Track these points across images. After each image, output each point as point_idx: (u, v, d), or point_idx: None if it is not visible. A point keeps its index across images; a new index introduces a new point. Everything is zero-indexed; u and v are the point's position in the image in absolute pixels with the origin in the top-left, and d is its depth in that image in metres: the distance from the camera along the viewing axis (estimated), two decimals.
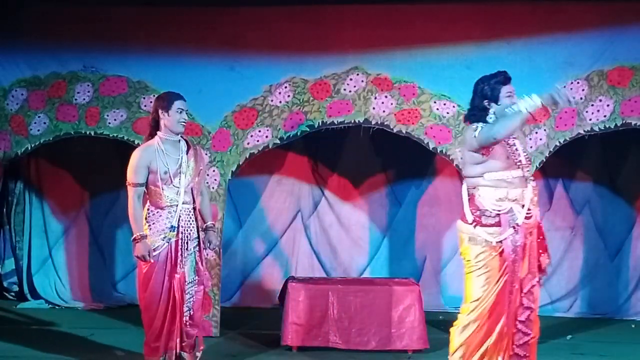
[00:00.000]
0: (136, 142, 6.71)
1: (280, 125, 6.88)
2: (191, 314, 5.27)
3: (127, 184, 5.18)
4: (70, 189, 8.39)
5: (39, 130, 7.08)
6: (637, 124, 6.58)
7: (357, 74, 6.86)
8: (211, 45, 6.98)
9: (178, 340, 5.19)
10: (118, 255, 8.36)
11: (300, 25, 6.93)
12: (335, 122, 6.87)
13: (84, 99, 7.03)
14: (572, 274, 7.95)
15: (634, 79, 6.56)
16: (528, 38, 6.73)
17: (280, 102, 6.89)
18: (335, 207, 8.38)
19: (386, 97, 6.81)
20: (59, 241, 8.37)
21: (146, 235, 5.10)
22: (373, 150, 8.17)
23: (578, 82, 6.61)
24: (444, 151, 6.74)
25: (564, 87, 6.56)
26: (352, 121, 6.85)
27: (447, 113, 6.73)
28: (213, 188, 6.81)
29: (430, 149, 6.79)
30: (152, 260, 5.09)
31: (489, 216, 4.58)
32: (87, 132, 7.05)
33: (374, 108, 6.81)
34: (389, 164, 8.32)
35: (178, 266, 5.15)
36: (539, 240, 4.69)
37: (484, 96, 4.66)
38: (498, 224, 4.56)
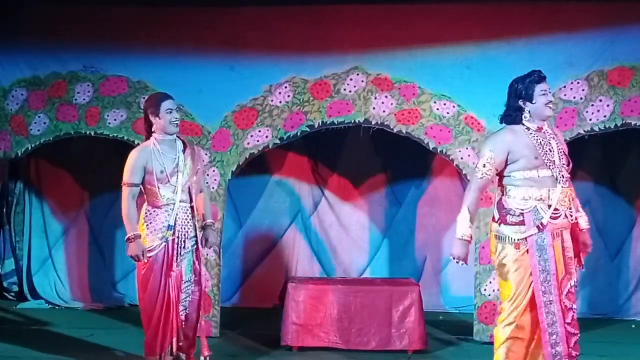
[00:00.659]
0: (136, 142, 6.70)
1: (280, 125, 6.88)
2: (187, 313, 5.25)
3: (122, 183, 5.18)
4: (70, 189, 8.39)
5: (39, 130, 7.09)
6: (637, 124, 6.57)
7: (357, 74, 6.86)
8: (211, 45, 6.98)
9: (174, 340, 5.18)
10: (118, 255, 8.36)
11: (300, 25, 6.93)
12: (335, 122, 6.87)
13: (84, 99, 7.03)
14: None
15: (634, 79, 6.55)
16: (528, 38, 6.72)
17: (280, 102, 6.89)
18: (335, 207, 8.38)
19: (386, 97, 6.81)
20: (59, 241, 8.37)
21: (140, 235, 5.10)
22: (373, 150, 8.17)
23: (578, 82, 6.61)
24: (444, 151, 6.74)
25: (564, 86, 6.58)
26: (352, 121, 6.85)
27: (447, 113, 6.73)
28: (213, 188, 6.81)
29: (430, 149, 6.79)
30: (145, 260, 5.08)
31: (514, 215, 4.57)
32: (87, 132, 7.06)
33: (374, 108, 6.81)
34: (389, 164, 8.32)
35: (174, 264, 5.15)
36: (574, 242, 4.67)
37: (518, 96, 4.62)
38: (522, 223, 4.55)
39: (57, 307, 8.00)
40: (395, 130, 6.80)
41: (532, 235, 4.51)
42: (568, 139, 6.61)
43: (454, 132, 6.72)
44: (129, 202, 5.12)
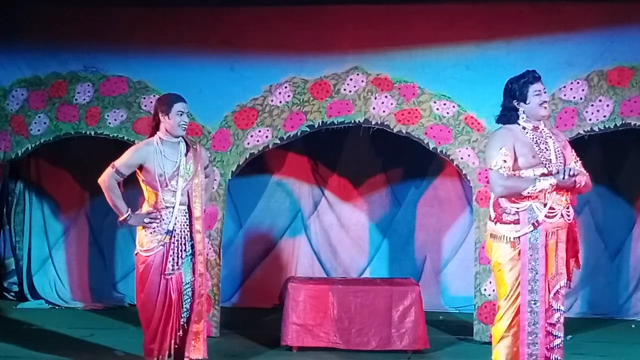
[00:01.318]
0: (136, 142, 6.70)
1: (280, 125, 6.88)
2: (188, 315, 5.25)
3: (111, 164, 5.16)
4: (71, 189, 8.39)
5: (39, 131, 7.09)
6: (637, 124, 6.58)
7: (357, 74, 6.86)
8: (211, 45, 6.98)
9: (173, 341, 5.17)
10: (118, 255, 8.36)
11: (300, 25, 6.94)
12: (335, 122, 6.87)
13: (84, 99, 7.04)
14: (572, 274, 7.93)
15: (634, 79, 6.56)
16: (528, 38, 6.73)
17: (280, 102, 6.89)
18: (335, 207, 8.37)
19: (386, 97, 6.81)
20: (59, 241, 8.37)
21: (131, 211, 5.14)
22: (373, 150, 8.17)
23: (578, 82, 6.61)
24: (444, 151, 6.74)
25: (564, 86, 6.57)
26: (352, 121, 6.86)
27: (447, 113, 6.73)
28: (213, 188, 6.80)
29: (430, 149, 6.79)
30: (154, 225, 5.09)
31: (509, 213, 4.59)
32: (88, 132, 7.06)
33: (374, 108, 6.81)
34: (389, 164, 8.32)
35: (172, 267, 5.14)
36: (570, 242, 4.65)
37: (512, 96, 4.66)
38: (517, 222, 4.56)
39: (57, 307, 8.00)
40: (395, 130, 6.80)
41: (526, 233, 4.52)
42: (568, 139, 6.61)
43: (454, 132, 6.72)
44: (112, 182, 5.13)
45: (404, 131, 6.79)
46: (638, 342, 6.76)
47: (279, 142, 6.93)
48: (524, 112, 4.64)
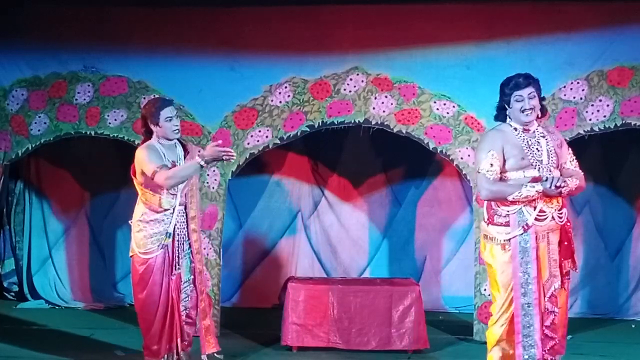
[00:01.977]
0: (136, 142, 6.70)
1: (280, 125, 6.88)
2: (187, 313, 5.26)
3: (151, 177, 4.94)
4: (71, 189, 8.38)
5: (39, 131, 7.09)
6: (637, 124, 6.58)
7: (357, 74, 6.86)
8: (211, 45, 6.98)
9: (179, 340, 5.19)
10: (118, 255, 8.35)
11: (300, 25, 6.93)
12: (335, 122, 6.87)
13: (85, 99, 7.04)
14: (572, 274, 7.91)
15: (634, 79, 6.56)
16: (528, 38, 6.72)
17: (280, 102, 6.89)
18: (335, 207, 8.37)
19: (386, 97, 6.81)
20: (59, 241, 8.37)
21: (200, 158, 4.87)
22: (373, 150, 8.17)
23: (578, 82, 6.61)
24: (444, 151, 6.75)
25: (564, 86, 6.57)
26: (352, 121, 6.86)
27: (447, 113, 6.73)
28: (213, 188, 6.82)
29: (430, 149, 6.79)
30: (232, 152, 4.88)
31: (500, 215, 4.60)
32: (88, 132, 7.06)
33: (374, 108, 6.82)
34: (389, 164, 8.31)
35: (174, 268, 5.14)
36: (564, 244, 4.64)
37: (501, 97, 4.72)
38: (507, 224, 4.58)
39: (57, 307, 8.00)
40: (395, 130, 6.80)
41: (516, 236, 4.53)
42: (568, 139, 6.62)
43: (454, 132, 6.72)
44: (164, 174, 4.88)
45: (404, 131, 6.79)
46: (638, 342, 6.76)
47: (279, 142, 6.93)
48: (509, 114, 4.68)
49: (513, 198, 4.51)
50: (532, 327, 4.52)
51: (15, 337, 6.56)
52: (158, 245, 5.10)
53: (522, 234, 4.52)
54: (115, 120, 6.99)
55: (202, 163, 4.85)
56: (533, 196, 4.48)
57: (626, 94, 6.56)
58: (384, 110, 6.80)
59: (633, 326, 7.42)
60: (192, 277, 5.27)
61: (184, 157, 5.21)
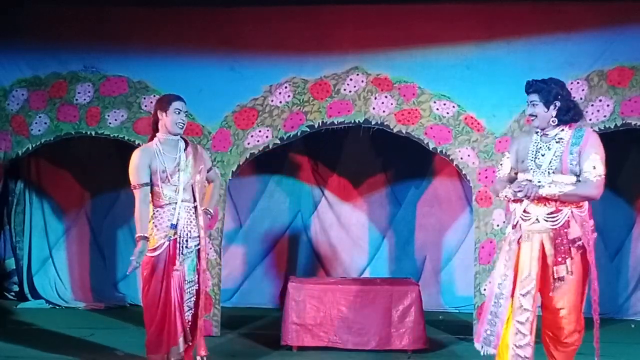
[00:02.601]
0: (137, 142, 6.72)
1: (280, 125, 6.88)
2: (192, 313, 5.26)
3: (132, 187, 5.14)
4: (71, 189, 8.39)
5: (39, 131, 7.10)
6: (637, 124, 6.58)
7: (357, 74, 6.87)
8: (211, 45, 6.99)
9: (181, 340, 5.18)
10: (118, 255, 8.36)
11: (300, 25, 6.94)
12: (335, 122, 6.88)
13: (85, 99, 7.04)
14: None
15: (634, 79, 6.56)
16: (528, 38, 6.73)
17: (280, 102, 6.89)
18: (335, 207, 8.38)
19: (386, 97, 6.81)
20: (60, 241, 8.38)
21: (147, 237, 5.08)
22: (373, 150, 8.18)
23: (578, 82, 6.61)
24: (444, 151, 6.75)
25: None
26: (352, 121, 6.86)
27: (447, 113, 6.74)
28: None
29: (430, 149, 6.79)
30: (136, 263, 5.03)
31: (510, 213, 4.83)
32: (88, 132, 7.07)
33: (374, 108, 6.82)
34: (389, 164, 8.32)
35: (176, 263, 5.15)
36: (560, 248, 4.60)
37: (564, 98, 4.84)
38: (509, 222, 4.80)
39: (57, 307, 8.01)
40: (395, 131, 6.81)
41: (508, 235, 4.73)
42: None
43: (453, 132, 6.72)
44: (141, 204, 5.09)
45: (404, 131, 6.79)
46: (638, 342, 6.76)
47: (279, 142, 6.93)
48: None
49: (499, 197, 4.80)
50: (498, 318, 4.63)
51: (16, 337, 6.56)
52: (164, 237, 5.12)
53: (512, 231, 4.68)
54: (116, 120, 6.99)
55: (137, 235, 5.06)
56: (512, 197, 4.63)
57: (626, 94, 6.56)
58: (384, 110, 6.80)
59: (633, 326, 7.42)
60: (196, 277, 5.27)
61: (185, 151, 5.23)
